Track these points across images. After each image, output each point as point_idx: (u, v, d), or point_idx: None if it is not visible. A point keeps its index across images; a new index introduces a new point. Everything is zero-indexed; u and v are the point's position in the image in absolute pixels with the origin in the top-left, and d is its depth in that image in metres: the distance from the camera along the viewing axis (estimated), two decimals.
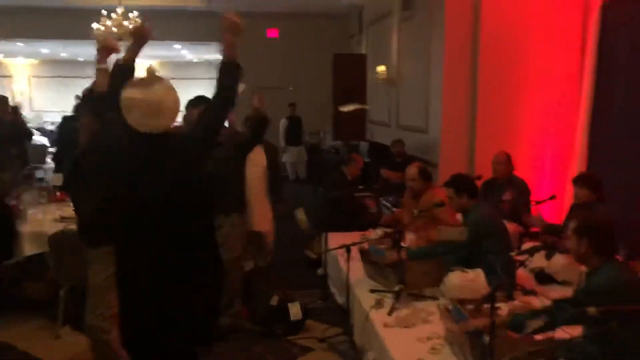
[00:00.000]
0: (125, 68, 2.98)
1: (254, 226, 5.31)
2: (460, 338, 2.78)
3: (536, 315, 2.54)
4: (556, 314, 2.36)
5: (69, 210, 4.93)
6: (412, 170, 4.95)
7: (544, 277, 4.19)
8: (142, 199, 2.43)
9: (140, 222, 2.46)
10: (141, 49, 3.05)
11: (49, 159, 10.71)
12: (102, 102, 2.99)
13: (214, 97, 2.66)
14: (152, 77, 2.50)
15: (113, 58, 3.17)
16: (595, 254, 2.58)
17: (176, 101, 2.50)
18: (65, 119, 7.32)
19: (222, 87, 2.63)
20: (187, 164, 2.50)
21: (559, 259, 4.17)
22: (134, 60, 3.03)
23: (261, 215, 5.45)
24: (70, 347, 4.07)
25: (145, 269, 2.47)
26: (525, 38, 6.37)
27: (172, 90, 2.49)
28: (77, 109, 3.69)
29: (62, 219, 4.73)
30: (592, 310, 1.84)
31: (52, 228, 4.42)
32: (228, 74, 2.63)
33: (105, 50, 3.21)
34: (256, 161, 5.31)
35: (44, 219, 4.77)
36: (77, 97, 16.40)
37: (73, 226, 4.49)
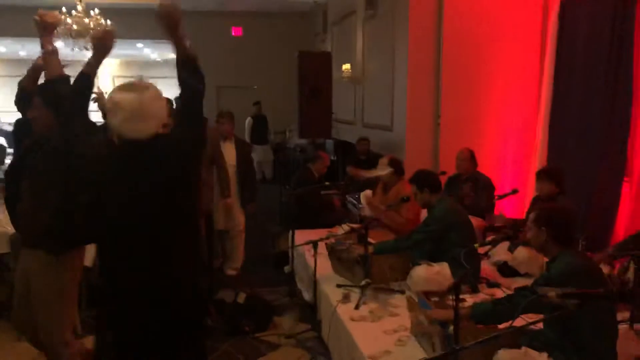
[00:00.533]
0: (86, 79, 2.72)
1: (218, 225, 5.33)
2: (428, 328, 2.82)
3: (498, 303, 2.60)
4: (517, 301, 2.42)
5: None
6: (383, 160, 5.05)
7: (507, 270, 4.28)
8: (122, 206, 2.29)
9: (119, 229, 2.33)
10: (103, 59, 2.78)
11: (7, 160, 10.42)
12: (58, 89, 2.79)
13: (181, 95, 2.48)
14: (141, 83, 2.38)
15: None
16: (553, 242, 2.66)
17: (162, 108, 2.38)
18: (19, 122, 7.11)
19: (185, 84, 2.45)
20: (175, 168, 2.34)
21: (521, 252, 4.26)
22: (95, 73, 2.76)
23: (228, 214, 5.46)
24: (31, 350, 3.96)
25: (128, 276, 2.35)
26: (488, 36, 6.49)
27: (159, 97, 2.38)
28: (20, 102, 3.41)
29: None
30: (551, 294, 1.89)
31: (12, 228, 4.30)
32: (187, 70, 2.46)
33: (48, 27, 2.86)
34: (226, 158, 5.29)
35: (4, 219, 4.63)
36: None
37: None
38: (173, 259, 2.35)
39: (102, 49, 2.77)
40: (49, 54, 2.84)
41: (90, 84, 2.75)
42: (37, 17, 2.82)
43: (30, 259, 3.08)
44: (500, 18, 6.48)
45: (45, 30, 2.85)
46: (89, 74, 2.73)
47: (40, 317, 3.08)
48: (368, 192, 5.32)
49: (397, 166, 5.09)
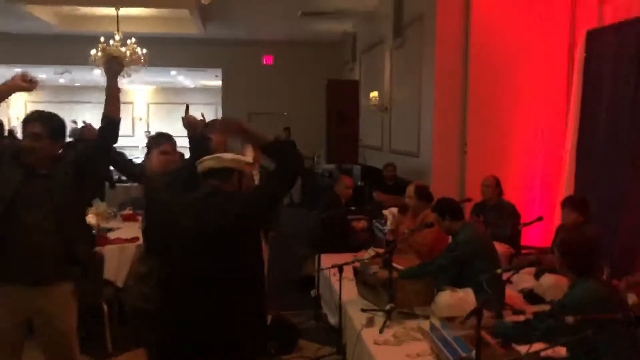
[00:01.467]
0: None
1: None
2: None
3: (518, 326, 2.63)
4: (535, 325, 2.46)
5: None
6: (410, 188, 5.09)
7: (533, 297, 4.28)
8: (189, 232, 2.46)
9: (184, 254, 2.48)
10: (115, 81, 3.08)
11: None
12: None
13: (274, 174, 2.62)
14: None
15: None
16: (570, 270, 2.71)
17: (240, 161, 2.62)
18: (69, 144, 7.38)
19: (285, 170, 2.57)
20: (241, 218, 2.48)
21: (547, 279, 4.27)
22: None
23: None
24: None
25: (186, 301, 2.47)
26: (514, 64, 6.56)
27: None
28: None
29: None
30: (569, 319, 1.94)
31: None
32: (284, 149, 2.64)
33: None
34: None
35: None
36: (73, 122, 16.60)
37: None
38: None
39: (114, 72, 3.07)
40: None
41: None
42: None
43: (45, 299, 2.87)
44: (527, 47, 6.54)
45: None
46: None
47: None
48: (394, 209, 5.33)
49: (422, 193, 5.14)
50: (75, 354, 2.97)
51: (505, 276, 3.81)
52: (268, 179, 2.72)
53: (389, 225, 5.12)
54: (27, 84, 2.90)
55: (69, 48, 11.99)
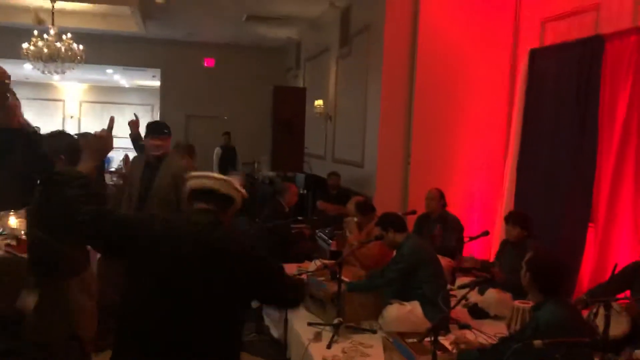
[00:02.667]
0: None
1: None
2: None
3: (484, 352, 2.60)
4: (502, 350, 2.43)
5: None
6: (350, 206, 5.07)
7: (477, 312, 4.31)
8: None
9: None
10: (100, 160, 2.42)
11: None
12: None
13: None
14: None
15: None
16: (536, 289, 2.70)
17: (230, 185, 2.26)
18: None
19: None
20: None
21: (492, 294, 4.32)
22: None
23: None
24: None
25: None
26: (459, 78, 6.67)
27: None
28: None
29: None
30: (537, 342, 1.91)
31: None
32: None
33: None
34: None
35: None
36: None
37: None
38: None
39: (99, 155, 2.36)
40: None
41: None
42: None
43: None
44: (472, 61, 6.67)
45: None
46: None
47: None
48: (350, 219, 5.19)
49: (363, 208, 5.11)
50: None
51: (455, 292, 3.85)
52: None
53: (348, 233, 5.05)
54: None
55: None
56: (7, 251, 4.24)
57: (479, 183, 6.76)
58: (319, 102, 9.20)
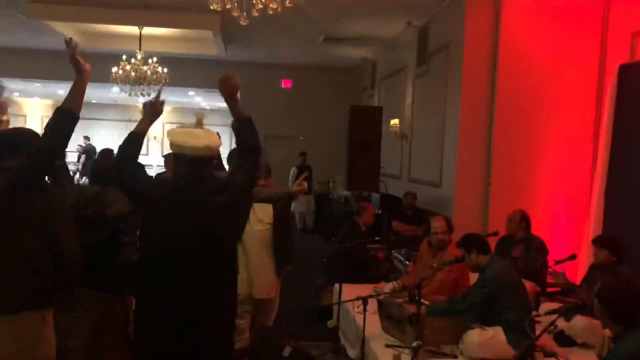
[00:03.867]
0: (137, 138, 2.96)
1: (254, 294, 4.47)
2: None
3: None
4: None
5: None
6: (439, 223, 4.91)
7: (563, 339, 4.10)
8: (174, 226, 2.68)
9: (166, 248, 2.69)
10: (152, 123, 3.05)
11: None
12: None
13: (239, 154, 2.95)
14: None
15: None
16: (612, 321, 2.55)
17: (213, 136, 2.82)
18: None
19: (244, 144, 2.89)
20: (220, 209, 2.71)
21: (579, 321, 4.09)
22: (145, 133, 3.00)
23: (262, 280, 4.49)
24: None
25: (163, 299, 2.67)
26: (542, 97, 6.45)
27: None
28: None
29: None
30: None
31: None
32: (242, 130, 2.86)
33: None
34: (260, 216, 4.40)
35: None
36: (86, 137, 16.62)
37: None
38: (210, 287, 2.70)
39: (154, 115, 3.03)
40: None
41: (142, 142, 3.01)
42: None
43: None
44: (556, 79, 6.44)
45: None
46: (140, 134, 2.98)
47: None
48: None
49: (452, 226, 4.99)
50: None
51: (540, 319, 3.67)
52: (240, 160, 2.94)
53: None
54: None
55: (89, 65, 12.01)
56: None
57: (564, 204, 6.47)
58: (394, 122, 9.15)
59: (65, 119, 2.56)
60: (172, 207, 2.68)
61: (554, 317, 2.69)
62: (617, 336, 2.60)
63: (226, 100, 2.84)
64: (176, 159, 2.78)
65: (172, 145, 2.77)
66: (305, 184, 3.96)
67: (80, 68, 2.64)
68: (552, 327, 2.90)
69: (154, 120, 3.02)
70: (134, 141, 2.92)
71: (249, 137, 2.85)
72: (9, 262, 2.45)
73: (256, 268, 4.37)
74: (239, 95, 2.88)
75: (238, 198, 2.83)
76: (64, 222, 2.60)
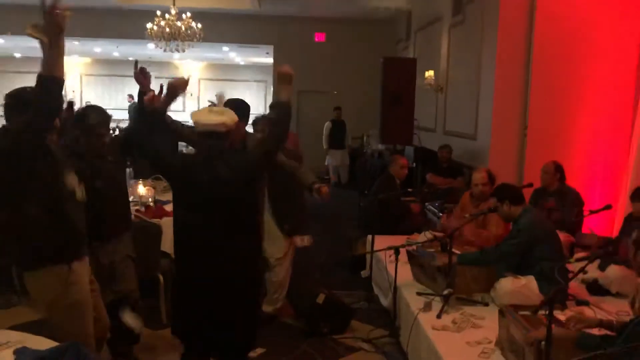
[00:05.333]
0: (158, 114, 3.13)
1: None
2: (520, 344, 2.74)
3: (606, 341, 2.46)
4: (629, 333, 2.29)
5: None
6: (480, 174, 4.91)
7: (597, 288, 4.10)
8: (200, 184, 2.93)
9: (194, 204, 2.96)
10: (173, 101, 3.18)
11: None
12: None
13: (268, 131, 3.23)
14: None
15: None
16: None
17: (229, 113, 3.06)
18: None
19: (276, 123, 3.12)
20: (239, 171, 2.98)
21: (614, 270, 4.09)
22: (165, 111, 3.23)
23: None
24: None
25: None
26: (582, 47, 6.25)
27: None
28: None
29: None
30: None
31: None
32: (280, 112, 3.08)
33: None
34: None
35: None
36: (130, 96, 16.89)
37: None
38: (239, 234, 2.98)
39: (174, 94, 3.16)
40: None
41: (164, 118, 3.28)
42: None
43: None
44: (596, 27, 6.22)
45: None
46: (162, 112, 3.19)
47: None
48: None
49: (493, 178, 4.97)
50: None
51: (571, 267, 3.68)
52: (265, 143, 3.16)
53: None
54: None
55: (124, 22, 12.13)
56: (136, 216, 4.60)
57: (602, 155, 6.34)
58: (429, 73, 9.01)
59: (52, 86, 2.45)
60: (194, 177, 2.93)
61: (584, 263, 2.67)
62: None
63: (279, 85, 3.11)
64: (198, 135, 3.01)
65: (194, 123, 3.01)
66: (329, 193, 4.04)
67: (61, 28, 2.46)
68: (583, 274, 2.89)
69: (173, 100, 3.18)
70: (155, 120, 3.12)
71: (281, 118, 3.08)
72: (20, 223, 2.65)
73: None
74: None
75: (250, 172, 3.05)
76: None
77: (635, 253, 2.62)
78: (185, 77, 3.26)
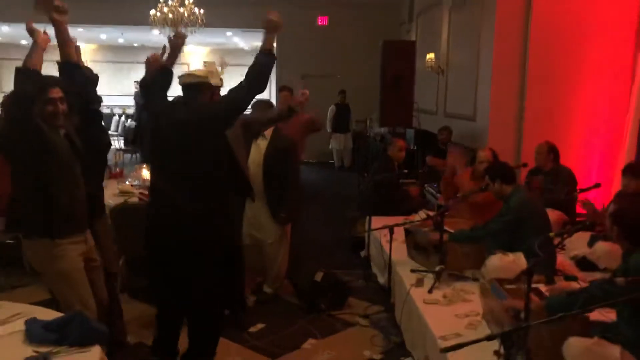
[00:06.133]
0: (167, 71, 3.30)
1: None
2: (499, 315, 2.88)
3: (571, 294, 2.62)
4: (591, 291, 2.43)
5: (127, 186, 5.24)
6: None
7: (585, 264, 4.21)
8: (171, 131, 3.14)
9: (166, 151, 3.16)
10: (177, 56, 3.35)
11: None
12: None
13: (245, 79, 3.14)
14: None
15: None
16: (625, 240, 2.65)
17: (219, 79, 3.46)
18: None
19: (254, 72, 3.12)
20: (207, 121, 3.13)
21: (601, 246, 4.17)
22: (172, 66, 3.35)
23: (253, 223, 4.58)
24: (128, 313, 4.33)
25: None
26: (578, 28, 6.33)
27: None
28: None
29: (121, 193, 5.01)
30: (620, 280, 1.93)
31: (113, 201, 4.69)
32: (263, 60, 3.12)
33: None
34: (253, 157, 4.39)
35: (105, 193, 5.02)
36: (137, 82, 17.06)
37: (134, 199, 4.79)
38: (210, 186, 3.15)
39: (177, 50, 3.34)
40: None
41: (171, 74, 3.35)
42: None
43: (89, 241, 3.28)
44: (593, 9, 6.28)
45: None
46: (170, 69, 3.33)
47: None
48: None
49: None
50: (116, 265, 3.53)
51: (557, 241, 3.79)
52: (237, 90, 3.17)
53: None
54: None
55: (129, 9, 12.22)
56: (140, 198, 4.76)
57: (599, 135, 6.43)
58: (430, 56, 9.08)
59: (29, 77, 2.79)
60: (166, 121, 3.16)
61: (564, 236, 2.80)
62: (627, 252, 2.71)
63: (267, 34, 3.18)
64: (181, 85, 3.25)
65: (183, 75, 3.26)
66: (307, 92, 4.29)
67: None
68: (566, 250, 3.01)
69: (177, 56, 3.35)
70: (165, 76, 3.29)
71: (263, 68, 3.13)
72: (16, 193, 3.04)
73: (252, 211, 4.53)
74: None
75: (213, 119, 3.14)
76: (58, 164, 2.90)
77: (611, 227, 2.73)
78: (182, 32, 3.46)
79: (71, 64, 3.17)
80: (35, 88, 2.79)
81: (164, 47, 3.34)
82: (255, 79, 3.13)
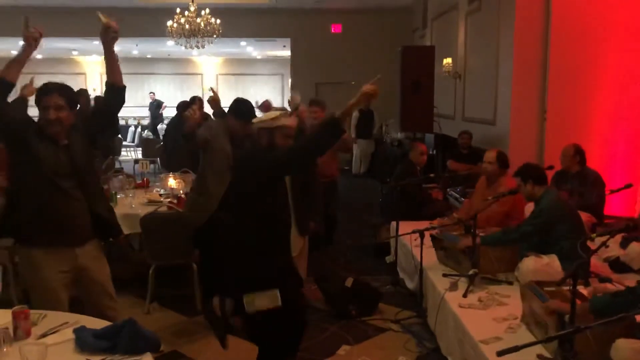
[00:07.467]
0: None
1: None
2: (542, 317, 2.86)
3: (616, 295, 2.59)
4: (635, 290, 2.41)
5: (155, 194, 5.27)
6: (490, 153, 5.01)
7: (619, 266, 4.18)
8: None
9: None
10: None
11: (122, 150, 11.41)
12: None
13: (308, 141, 3.00)
14: None
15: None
16: None
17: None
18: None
19: (318, 140, 2.89)
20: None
21: (635, 247, 4.16)
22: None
23: None
24: (159, 321, 4.35)
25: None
26: (599, 30, 6.29)
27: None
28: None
29: (150, 202, 5.04)
30: None
31: (143, 210, 4.72)
32: (329, 131, 2.84)
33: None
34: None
35: (133, 203, 5.07)
36: (152, 93, 17.24)
37: (163, 208, 4.82)
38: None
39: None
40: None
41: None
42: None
43: (83, 257, 3.16)
44: (613, 11, 6.25)
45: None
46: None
47: None
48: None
49: (503, 160, 5.07)
50: (112, 295, 3.17)
51: (593, 246, 3.77)
52: (296, 149, 2.98)
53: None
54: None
55: (144, 20, 12.31)
56: (169, 207, 4.78)
57: (622, 135, 6.39)
58: (447, 61, 9.08)
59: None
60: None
61: (606, 238, 2.78)
62: None
63: (353, 105, 2.97)
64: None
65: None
66: (299, 97, 4.53)
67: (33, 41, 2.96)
68: (605, 247, 2.99)
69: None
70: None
71: (323, 140, 2.88)
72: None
73: None
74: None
75: (263, 169, 2.95)
76: (34, 174, 2.90)
77: None
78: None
79: (119, 86, 3.16)
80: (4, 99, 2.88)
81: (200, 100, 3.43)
82: (312, 148, 2.93)
